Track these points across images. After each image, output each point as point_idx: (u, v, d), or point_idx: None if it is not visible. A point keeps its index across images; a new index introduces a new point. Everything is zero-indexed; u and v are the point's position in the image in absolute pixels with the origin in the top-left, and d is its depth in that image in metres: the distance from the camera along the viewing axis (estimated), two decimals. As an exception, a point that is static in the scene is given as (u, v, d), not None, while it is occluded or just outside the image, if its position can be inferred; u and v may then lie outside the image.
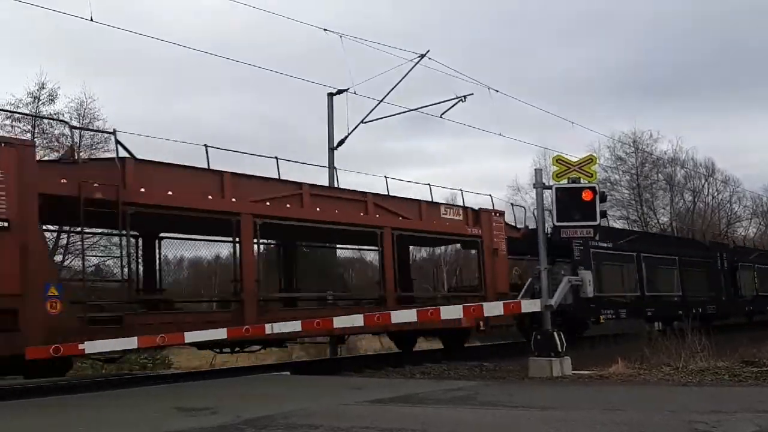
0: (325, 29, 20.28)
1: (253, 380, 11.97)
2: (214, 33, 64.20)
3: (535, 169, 12.89)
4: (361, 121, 22.37)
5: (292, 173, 14.85)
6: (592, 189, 11.76)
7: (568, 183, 11.90)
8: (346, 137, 22.29)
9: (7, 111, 25.43)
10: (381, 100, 21.77)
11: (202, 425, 6.59)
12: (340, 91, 22.20)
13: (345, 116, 22.13)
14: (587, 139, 50.16)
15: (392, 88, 21.61)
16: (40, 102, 28.01)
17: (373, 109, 22.00)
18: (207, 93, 71.32)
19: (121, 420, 7.59)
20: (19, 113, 26.14)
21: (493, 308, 12.20)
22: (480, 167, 74.65)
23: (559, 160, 12.29)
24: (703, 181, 50.25)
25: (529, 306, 12.05)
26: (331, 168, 21.88)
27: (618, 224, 41.25)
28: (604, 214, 12.63)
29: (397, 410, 7.68)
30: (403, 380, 12.25)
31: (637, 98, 74.20)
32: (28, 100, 27.77)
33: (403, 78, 21.50)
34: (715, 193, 51.45)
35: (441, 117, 22.83)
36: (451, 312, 12.19)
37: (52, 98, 28.17)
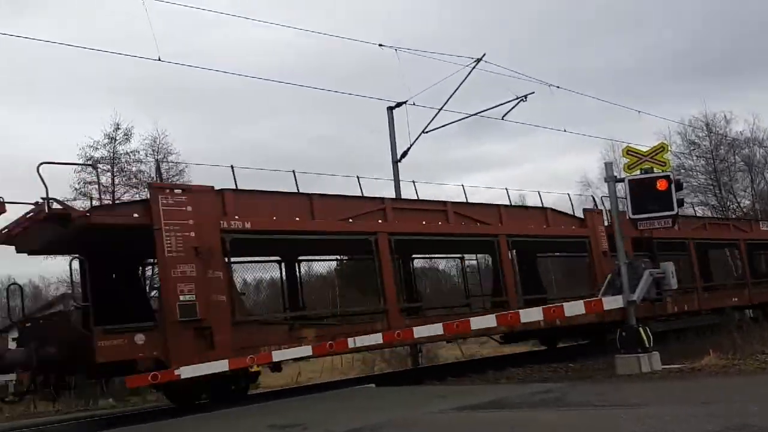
0: (380, 45, 20.63)
1: (340, 394, 12.15)
2: (272, 60, 65.76)
3: (605, 163, 12.66)
4: (423, 131, 22.56)
5: (356, 189, 15.03)
6: (667, 178, 11.46)
7: (641, 174, 11.64)
8: (409, 149, 22.49)
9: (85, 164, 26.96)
10: (440, 109, 21.89)
11: (297, 441, 6.78)
12: (399, 104, 22.44)
13: (406, 128, 22.46)
14: (656, 127, 48.55)
15: (451, 95, 21.68)
16: (117, 142, 29.50)
17: (433, 118, 22.17)
18: (268, 119, 73.04)
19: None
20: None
21: (574, 307, 11.97)
22: (545, 166, 73.54)
23: (629, 152, 12.04)
24: (785, 159, 47.73)
25: (612, 303, 11.77)
26: (397, 180, 22.07)
27: (697, 211, 39.61)
28: (681, 203, 12.27)
29: (485, 416, 7.68)
30: (487, 386, 12.19)
31: (703, 81, 71.46)
32: (105, 141, 29.32)
33: (460, 84, 21.51)
34: (799, 170, 48.77)
35: (502, 119, 22.75)
36: (532, 315, 12.12)
37: (127, 137, 29.64)
